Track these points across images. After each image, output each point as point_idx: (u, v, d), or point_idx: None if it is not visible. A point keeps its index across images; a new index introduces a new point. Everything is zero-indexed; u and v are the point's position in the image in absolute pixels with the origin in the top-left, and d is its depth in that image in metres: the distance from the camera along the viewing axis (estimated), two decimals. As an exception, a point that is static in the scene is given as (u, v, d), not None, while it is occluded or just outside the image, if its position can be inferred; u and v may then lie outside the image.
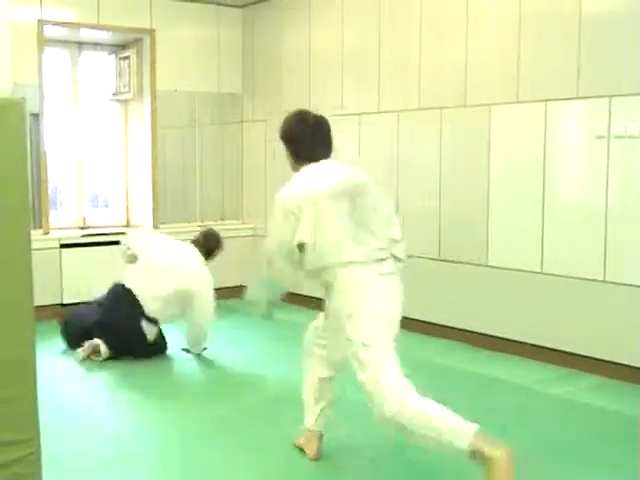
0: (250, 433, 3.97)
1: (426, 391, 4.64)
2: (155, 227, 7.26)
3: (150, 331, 5.25)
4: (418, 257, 6.06)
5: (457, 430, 3.04)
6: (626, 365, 4.78)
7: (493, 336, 5.54)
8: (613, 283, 4.82)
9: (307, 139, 3.55)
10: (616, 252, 4.80)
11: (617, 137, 4.74)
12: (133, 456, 3.72)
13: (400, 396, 3.22)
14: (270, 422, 4.11)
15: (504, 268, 5.45)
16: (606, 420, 4.21)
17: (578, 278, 4.99)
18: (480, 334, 5.63)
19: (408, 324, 6.06)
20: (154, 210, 7.30)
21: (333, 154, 3.56)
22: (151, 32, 7.20)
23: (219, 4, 7.63)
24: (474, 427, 3.03)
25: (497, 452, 2.92)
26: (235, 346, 5.71)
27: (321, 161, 3.49)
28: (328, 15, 6.83)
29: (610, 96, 4.76)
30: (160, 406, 4.44)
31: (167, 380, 4.73)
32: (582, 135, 4.95)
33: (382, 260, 3.39)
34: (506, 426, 4.07)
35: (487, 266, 5.55)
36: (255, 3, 7.63)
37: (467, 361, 5.32)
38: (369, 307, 3.29)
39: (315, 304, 6.71)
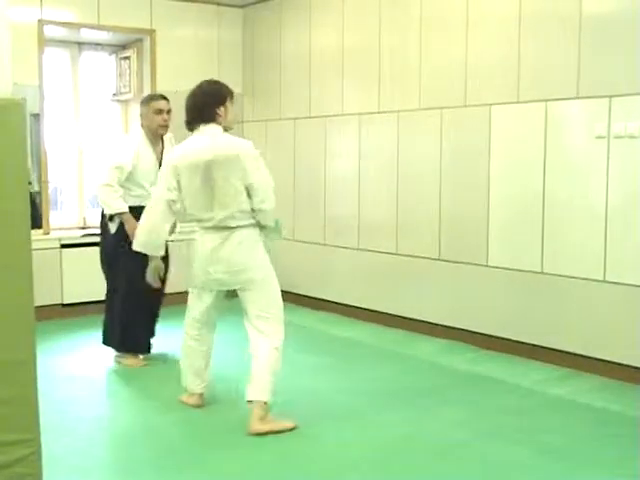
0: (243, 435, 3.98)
1: (425, 390, 4.69)
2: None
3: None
4: (418, 257, 6.08)
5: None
6: (627, 365, 4.78)
7: (493, 336, 5.54)
8: (613, 283, 4.82)
9: (188, 110, 4.06)
10: (616, 252, 4.80)
11: (617, 137, 4.73)
12: (134, 456, 3.72)
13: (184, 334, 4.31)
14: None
15: (504, 268, 5.45)
16: (607, 421, 4.21)
17: (578, 278, 4.99)
18: (480, 334, 5.63)
19: (408, 324, 6.12)
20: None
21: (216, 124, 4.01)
22: (151, 32, 7.21)
23: (219, 4, 7.63)
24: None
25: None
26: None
27: (200, 130, 4.00)
28: (328, 15, 6.83)
29: (610, 96, 4.76)
30: (162, 407, 4.44)
31: (170, 382, 4.73)
32: (582, 135, 4.95)
33: (223, 228, 3.96)
34: (506, 426, 4.08)
35: (487, 266, 5.55)
36: (255, 3, 7.63)
37: (467, 361, 5.32)
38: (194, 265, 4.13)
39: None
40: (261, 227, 4.08)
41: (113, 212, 5.04)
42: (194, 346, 4.28)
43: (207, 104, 4.02)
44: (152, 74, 7.25)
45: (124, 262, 5.02)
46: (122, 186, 5.04)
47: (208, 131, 4.01)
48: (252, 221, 4.02)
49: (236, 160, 3.94)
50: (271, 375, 3.95)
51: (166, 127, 5.19)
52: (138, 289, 4.91)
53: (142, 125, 5.23)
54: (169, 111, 5.22)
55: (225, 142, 4.01)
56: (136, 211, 4.82)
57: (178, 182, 4.03)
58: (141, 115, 5.24)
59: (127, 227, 4.98)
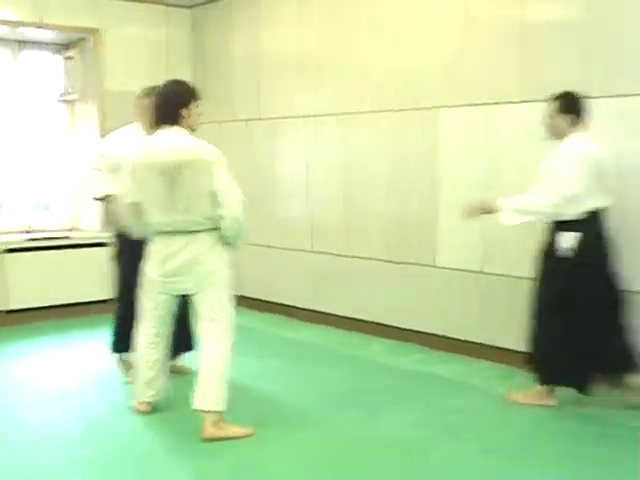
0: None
1: (376, 391, 4.69)
2: (102, 231, 7.14)
3: None
4: (367, 259, 6.08)
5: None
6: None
7: (441, 336, 5.57)
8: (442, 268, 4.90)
9: (155, 109, 4.01)
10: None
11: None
12: (79, 465, 3.64)
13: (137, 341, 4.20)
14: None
15: (451, 269, 5.48)
16: (553, 417, 4.25)
17: (523, 278, 5.02)
18: (429, 334, 5.65)
19: (358, 325, 6.12)
20: (100, 215, 7.17)
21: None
22: (94, 32, 7.08)
23: (167, 4, 7.55)
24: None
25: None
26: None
27: (164, 130, 3.90)
28: (278, 16, 6.80)
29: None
30: (112, 414, 4.36)
31: (121, 389, 4.66)
32: (528, 137, 4.99)
33: (181, 232, 3.89)
34: (456, 425, 4.10)
35: (435, 267, 5.58)
36: (204, 4, 7.56)
37: (416, 362, 5.34)
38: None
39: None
40: (220, 234, 3.96)
41: (98, 195, 4.83)
42: (146, 355, 4.17)
43: (171, 104, 3.93)
44: (98, 74, 7.13)
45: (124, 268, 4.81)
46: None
47: (172, 132, 3.91)
48: (212, 226, 3.92)
49: (203, 165, 3.83)
50: (223, 382, 3.90)
51: None
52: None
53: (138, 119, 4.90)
54: None
55: (191, 145, 3.89)
56: None
57: (137, 181, 3.92)
58: (138, 107, 4.87)
59: (108, 208, 4.81)
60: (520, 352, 4.77)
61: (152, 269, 4.02)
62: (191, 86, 4.05)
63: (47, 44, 7.41)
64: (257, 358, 5.46)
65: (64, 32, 7.06)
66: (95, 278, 6.98)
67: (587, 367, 4.22)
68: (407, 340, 5.78)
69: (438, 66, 5.49)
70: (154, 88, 4.54)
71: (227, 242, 4.01)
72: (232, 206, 3.89)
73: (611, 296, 4.24)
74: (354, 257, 6.20)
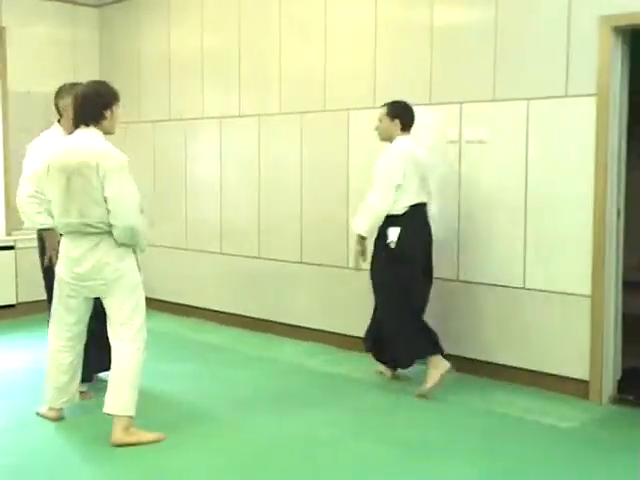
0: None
1: (289, 393, 4.71)
2: (8, 234, 6.97)
3: None
4: (281, 260, 6.11)
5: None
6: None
7: (354, 336, 5.62)
8: (465, 282, 5.01)
9: (75, 109, 3.94)
10: (466, 255, 4.99)
11: (468, 142, 4.94)
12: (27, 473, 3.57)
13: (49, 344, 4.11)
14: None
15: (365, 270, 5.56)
16: (456, 412, 4.37)
17: (443, 279, 5.16)
18: (341, 335, 5.72)
19: (272, 327, 6.14)
20: (7, 217, 7.00)
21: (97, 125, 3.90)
22: (0, 30, 6.91)
23: (74, 3, 7.42)
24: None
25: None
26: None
27: (81, 131, 3.89)
28: (187, 17, 6.76)
29: (461, 102, 4.95)
30: (19, 422, 4.25)
31: (28, 396, 4.56)
32: (435, 140, 5.10)
33: (85, 234, 3.84)
34: (367, 425, 4.16)
35: (349, 268, 5.63)
36: (112, 3, 7.46)
37: (329, 363, 5.40)
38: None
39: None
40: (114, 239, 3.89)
41: (36, 227, 4.51)
42: (59, 359, 4.07)
43: (94, 105, 3.89)
44: (2, 74, 6.95)
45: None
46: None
47: (85, 134, 3.87)
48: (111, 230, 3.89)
49: (100, 170, 3.75)
50: (133, 387, 3.86)
51: None
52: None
53: (60, 121, 4.65)
54: None
55: (95, 149, 3.81)
56: None
57: (49, 181, 3.89)
58: (62, 109, 4.60)
59: (50, 240, 4.44)
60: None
61: (62, 271, 3.97)
62: (113, 87, 4.03)
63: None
64: (168, 362, 5.41)
65: (-34, 29, 6.87)
66: (1, 283, 6.82)
67: (429, 336, 4.66)
68: (322, 341, 5.85)
69: (348, 70, 5.57)
70: (74, 86, 4.44)
71: (129, 247, 3.93)
72: (123, 215, 3.80)
73: (426, 282, 4.79)
74: (268, 259, 6.22)
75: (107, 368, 4.05)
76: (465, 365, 4.99)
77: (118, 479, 3.54)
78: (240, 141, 6.42)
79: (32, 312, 6.71)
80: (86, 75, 7.31)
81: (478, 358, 4.99)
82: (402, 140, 4.70)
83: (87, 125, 3.88)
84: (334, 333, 5.79)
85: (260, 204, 6.26)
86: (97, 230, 3.82)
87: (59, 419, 4.18)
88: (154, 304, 6.46)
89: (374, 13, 5.38)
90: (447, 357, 4.63)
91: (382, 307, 4.76)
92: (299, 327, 6.02)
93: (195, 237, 6.86)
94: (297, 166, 5.94)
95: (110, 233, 3.84)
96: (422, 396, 4.59)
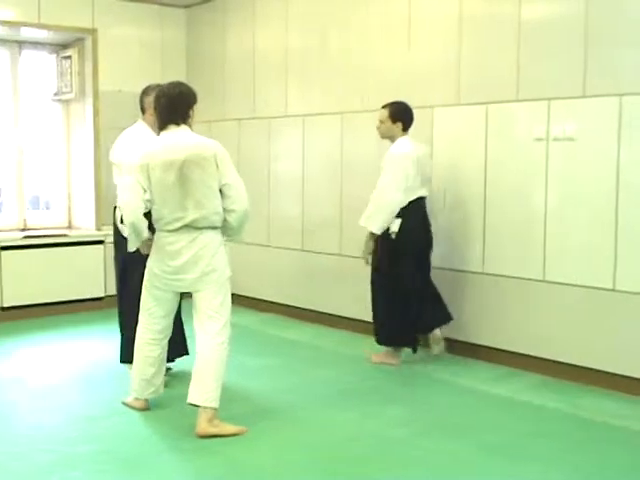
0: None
1: (368, 390, 4.71)
2: (98, 229, 7.18)
3: None
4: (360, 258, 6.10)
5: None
6: (564, 363, 4.87)
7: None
8: (553, 283, 4.90)
9: (157, 110, 4.03)
10: (555, 252, 4.89)
11: (556, 139, 4.83)
12: (75, 461, 3.66)
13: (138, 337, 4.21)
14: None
15: (440, 268, 5.52)
16: (545, 418, 4.28)
17: (518, 277, 5.07)
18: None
19: (350, 325, 6.13)
20: (97, 212, 7.20)
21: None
22: (93, 32, 7.12)
23: (162, 4, 7.57)
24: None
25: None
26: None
27: (173, 129, 3.97)
28: (272, 16, 6.82)
29: (549, 99, 4.85)
30: (106, 410, 4.38)
31: (112, 385, 4.68)
32: (522, 137, 5.02)
33: (189, 228, 3.92)
34: (448, 424, 4.13)
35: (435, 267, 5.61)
36: (199, 4, 7.59)
37: (409, 360, 5.36)
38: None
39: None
40: (225, 228, 4.05)
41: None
42: (147, 351, 4.18)
43: (182, 104, 4.01)
44: (94, 74, 7.16)
45: (135, 280, 4.46)
46: None
47: (180, 131, 3.99)
48: (218, 223, 4.00)
49: (212, 160, 3.92)
50: (217, 379, 3.93)
51: None
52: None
53: (144, 118, 4.79)
54: None
55: (200, 142, 3.98)
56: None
57: (149, 181, 3.93)
58: (147, 105, 4.72)
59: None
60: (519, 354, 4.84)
61: (156, 266, 4.05)
62: (192, 88, 4.13)
63: (44, 44, 7.43)
64: (249, 356, 5.46)
65: (62, 32, 7.08)
66: (90, 276, 7.03)
67: (412, 330, 5.18)
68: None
69: (432, 66, 5.53)
70: (160, 86, 4.49)
71: (231, 237, 4.13)
72: (241, 199, 4.01)
73: (425, 269, 5.21)
74: (348, 256, 6.22)
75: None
76: (551, 368, 4.91)
77: (199, 470, 3.59)
78: (322, 139, 6.44)
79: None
80: (173, 74, 7.49)
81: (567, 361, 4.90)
82: (404, 141, 5.12)
83: (178, 124, 3.98)
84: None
85: (342, 202, 6.27)
86: (205, 224, 3.94)
87: (145, 409, 4.29)
88: (236, 299, 6.53)
89: (459, 8, 5.32)
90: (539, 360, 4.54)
91: (378, 290, 5.22)
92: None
93: (277, 234, 6.92)
94: (378, 163, 5.91)
95: (212, 228, 3.97)
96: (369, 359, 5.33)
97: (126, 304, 4.72)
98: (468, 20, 5.29)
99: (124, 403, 4.36)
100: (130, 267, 4.62)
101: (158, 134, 4.10)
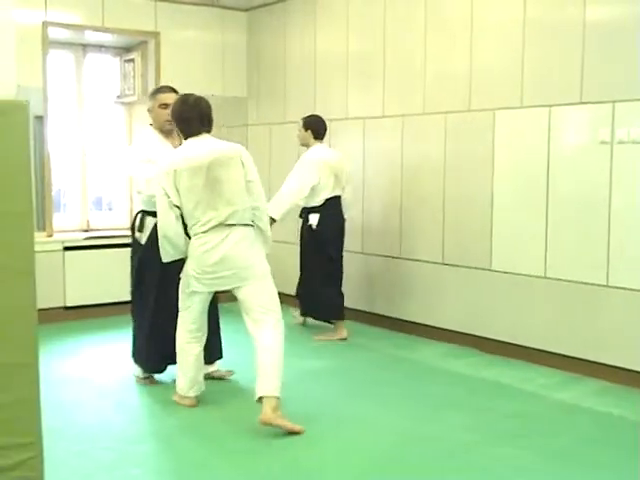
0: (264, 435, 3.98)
1: (430, 395, 4.68)
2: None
3: None
4: (422, 261, 6.07)
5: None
6: (629, 369, 4.77)
7: (498, 340, 5.54)
8: (616, 287, 4.81)
9: (187, 117, 4.21)
10: (619, 256, 4.79)
11: (620, 142, 4.73)
12: (137, 459, 3.72)
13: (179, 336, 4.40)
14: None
15: (508, 272, 5.44)
16: (610, 424, 4.20)
17: (581, 282, 4.99)
18: (485, 338, 5.62)
19: (412, 328, 6.11)
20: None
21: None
22: (156, 35, 7.21)
23: (224, 8, 7.64)
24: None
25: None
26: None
27: (200, 136, 4.19)
28: (333, 19, 6.83)
29: (613, 101, 4.76)
30: (167, 409, 4.44)
31: (173, 384, 4.73)
32: (585, 140, 4.94)
33: (222, 226, 4.09)
34: (511, 430, 4.07)
35: (491, 270, 5.55)
36: (260, 7, 7.63)
37: (471, 365, 5.31)
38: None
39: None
40: (256, 224, 4.26)
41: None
42: (188, 349, 4.36)
43: (210, 115, 4.27)
44: (156, 77, 7.25)
45: (152, 275, 4.67)
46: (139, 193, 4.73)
47: (207, 138, 4.24)
48: (250, 221, 4.20)
49: (238, 159, 4.17)
50: (280, 369, 4.03)
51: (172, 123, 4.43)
52: (169, 303, 4.51)
53: (151, 124, 4.85)
54: None
55: (224, 145, 4.24)
56: (152, 215, 4.56)
57: (177, 187, 4.12)
58: (149, 111, 4.85)
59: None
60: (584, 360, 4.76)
61: (194, 268, 4.18)
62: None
63: (107, 47, 7.56)
64: (308, 358, 5.48)
65: (126, 35, 7.20)
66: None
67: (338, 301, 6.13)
68: (464, 344, 5.77)
69: (494, 68, 5.47)
70: (163, 87, 4.99)
71: (262, 234, 4.31)
72: (263, 197, 4.31)
73: (340, 252, 6.12)
74: (408, 259, 6.20)
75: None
76: (614, 374, 4.81)
77: (256, 470, 3.61)
78: (383, 141, 6.42)
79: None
80: (233, 77, 7.58)
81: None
82: (316, 148, 5.99)
83: (206, 132, 4.24)
84: (476, 336, 5.69)
85: (402, 204, 6.24)
86: (237, 220, 4.12)
87: (193, 406, 4.41)
88: (288, 300, 6.56)
89: (523, 10, 5.25)
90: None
91: (308, 273, 6.17)
92: (441, 329, 5.96)
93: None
94: (440, 167, 5.89)
95: (242, 225, 4.14)
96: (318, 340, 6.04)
97: (139, 304, 4.82)
98: (532, 22, 5.22)
99: (174, 401, 4.48)
100: (145, 269, 4.73)
101: (179, 142, 4.40)
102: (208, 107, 4.27)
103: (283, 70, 7.44)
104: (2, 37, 2.71)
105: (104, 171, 7.81)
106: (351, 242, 6.67)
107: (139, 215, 4.78)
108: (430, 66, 5.94)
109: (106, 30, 6.99)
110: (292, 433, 3.95)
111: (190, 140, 4.21)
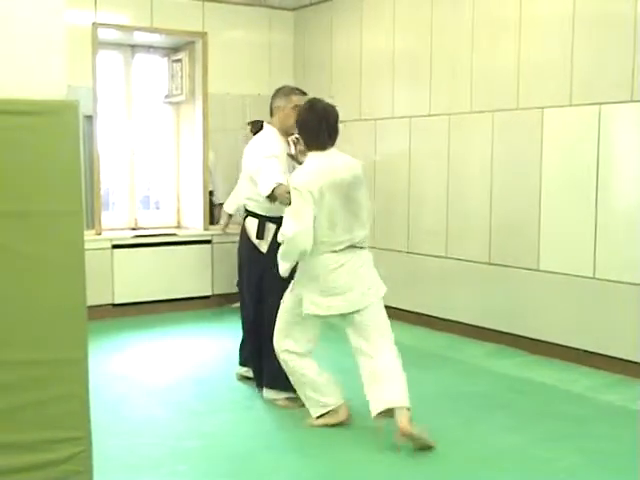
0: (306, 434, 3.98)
1: (475, 395, 4.65)
2: (206, 229, 7.32)
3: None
4: (468, 261, 6.02)
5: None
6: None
7: (543, 341, 5.47)
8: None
9: (314, 127, 3.87)
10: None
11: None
12: (183, 455, 3.75)
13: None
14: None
15: (556, 273, 5.37)
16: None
17: (630, 283, 4.91)
18: (530, 339, 5.56)
19: (458, 328, 6.07)
20: (204, 212, 7.35)
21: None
22: (203, 35, 7.27)
23: (271, 7, 7.66)
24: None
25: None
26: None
27: (327, 150, 3.87)
28: (379, 18, 6.81)
29: (667, 99, 4.68)
30: (213, 407, 4.48)
31: (220, 383, 4.77)
32: (637, 140, 4.86)
33: (350, 248, 3.87)
34: (557, 432, 4.03)
35: (539, 271, 5.48)
36: (306, 6, 7.65)
37: (517, 366, 5.26)
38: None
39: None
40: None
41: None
42: (310, 372, 4.07)
43: (336, 127, 3.95)
44: (204, 77, 7.30)
45: (271, 285, 4.39)
46: (250, 198, 4.52)
47: (335, 152, 3.95)
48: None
49: (362, 179, 3.97)
50: (405, 382, 3.84)
51: None
52: None
53: (272, 122, 4.58)
54: None
55: (351, 161, 3.97)
56: (273, 221, 4.37)
57: (318, 205, 3.78)
58: (276, 108, 4.58)
59: (278, 192, 4.04)
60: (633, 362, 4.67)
61: (312, 290, 3.90)
62: None
63: (156, 48, 7.64)
64: (351, 356, 5.47)
65: (174, 36, 7.27)
66: (198, 275, 7.17)
67: None
68: (509, 344, 5.71)
69: (542, 66, 5.40)
70: (293, 90, 4.60)
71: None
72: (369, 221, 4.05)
73: None
74: (455, 259, 6.16)
75: None
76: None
77: (303, 469, 3.62)
78: (429, 140, 6.38)
79: (225, 304, 7.05)
80: (280, 77, 7.57)
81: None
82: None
83: (333, 145, 3.94)
84: (520, 336, 5.63)
85: (449, 204, 6.20)
86: (364, 242, 3.96)
87: (347, 415, 4.13)
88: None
89: (572, 5, 5.18)
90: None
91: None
92: (483, 328, 5.91)
93: (382, 235, 6.89)
94: (487, 166, 5.83)
95: (365, 247, 3.98)
96: None
97: (267, 321, 4.37)
98: (581, 19, 5.14)
99: (313, 425, 4.11)
100: (268, 285, 4.44)
101: (303, 151, 4.02)
102: (336, 117, 3.93)
103: (329, 69, 7.44)
104: (53, 38, 2.76)
105: (152, 170, 7.90)
106: (394, 240, 6.65)
107: (257, 220, 4.49)
108: (477, 63, 5.89)
109: (154, 31, 7.06)
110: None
111: (321, 154, 3.88)
